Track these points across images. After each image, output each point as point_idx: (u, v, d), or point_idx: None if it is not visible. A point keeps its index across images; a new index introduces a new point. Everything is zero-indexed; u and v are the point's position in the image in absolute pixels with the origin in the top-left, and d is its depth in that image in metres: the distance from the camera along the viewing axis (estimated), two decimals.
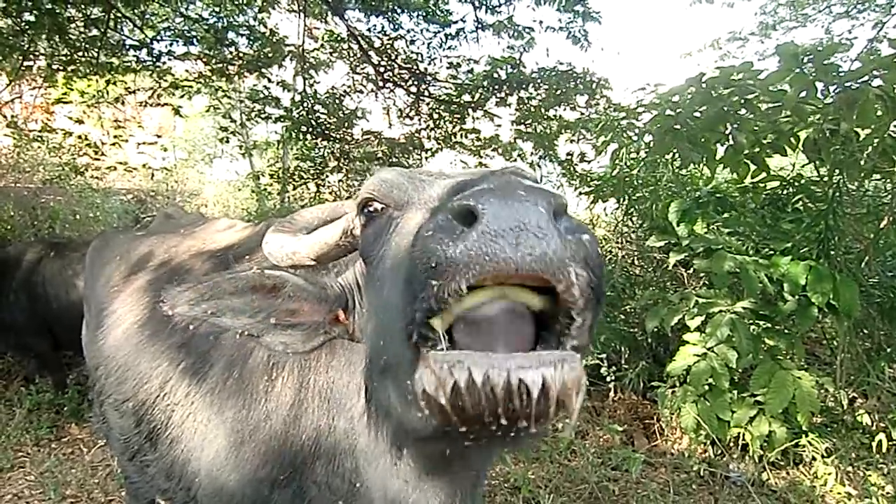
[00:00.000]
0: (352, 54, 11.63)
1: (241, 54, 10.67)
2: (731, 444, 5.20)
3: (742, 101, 4.86)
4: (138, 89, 11.10)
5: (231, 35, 10.20)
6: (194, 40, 10.12)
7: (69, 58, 9.50)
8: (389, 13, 10.57)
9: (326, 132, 11.34)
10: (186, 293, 1.64)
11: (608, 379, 6.02)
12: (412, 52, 11.34)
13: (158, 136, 14.12)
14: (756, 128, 4.96)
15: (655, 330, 5.49)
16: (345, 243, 1.76)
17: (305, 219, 2.07)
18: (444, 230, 1.05)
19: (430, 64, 11.36)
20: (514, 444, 1.17)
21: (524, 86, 10.60)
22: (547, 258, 0.99)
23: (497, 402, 0.99)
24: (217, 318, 1.63)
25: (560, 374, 1.00)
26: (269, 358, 2.13)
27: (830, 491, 4.75)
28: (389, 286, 1.30)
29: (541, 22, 9.99)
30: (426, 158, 12.19)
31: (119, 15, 9.19)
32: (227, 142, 13.05)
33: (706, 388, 5.07)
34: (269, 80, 11.32)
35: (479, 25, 10.35)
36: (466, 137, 11.81)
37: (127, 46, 10.02)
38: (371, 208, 1.57)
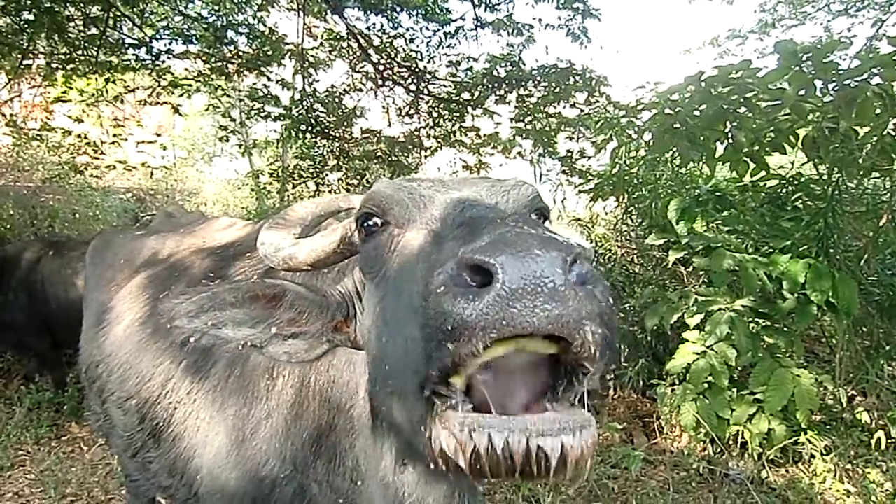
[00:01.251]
0: (351, 53, 11.63)
1: (240, 53, 10.66)
2: (731, 442, 5.21)
3: (741, 99, 4.86)
4: (137, 88, 11.06)
5: (230, 34, 10.19)
6: (193, 39, 10.11)
7: (68, 56, 9.48)
8: (389, 11, 10.55)
9: (326, 131, 11.32)
10: (184, 305, 1.60)
11: (607, 377, 6.03)
12: (412, 51, 11.33)
13: (158, 135, 14.10)
14: (755, 126, 4.96)
15: (655, 328, 5.50)
16: (343, 250, 1.75)
17: (300, 214, 2.06)
18: (458, 287, 1.04)
19: (429, 62, 11.35)
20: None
21: (523, 83, 10.59)
22: (563, 320, 0.99)
23: (515, 466, 1.01)
24: (218, 330, 1.60)
25: (579, 441, 1.03)
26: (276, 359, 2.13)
27: (829, 488, 4.77)
28: (398, 327, 1.30)
29: (540, 19, 9.98)
30: (426, 157, 12.19)
31: (118, 13, 9.18)
32: (227, 140, 13.04)
33: (705, 385, 5.08)
34: (269, 79, 11.30)
35: (479, 23, 10.33)
36: (466, 135, 11.81)
37: (126, 45, 10.00)
38: (371, 223, 1.57)
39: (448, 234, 1.27)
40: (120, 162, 11.86)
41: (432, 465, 1.12)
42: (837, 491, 4.71)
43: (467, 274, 1.04)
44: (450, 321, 1.03)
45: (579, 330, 1.00)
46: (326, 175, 12.05)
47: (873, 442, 4.92)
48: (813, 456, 5.02)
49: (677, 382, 5.44)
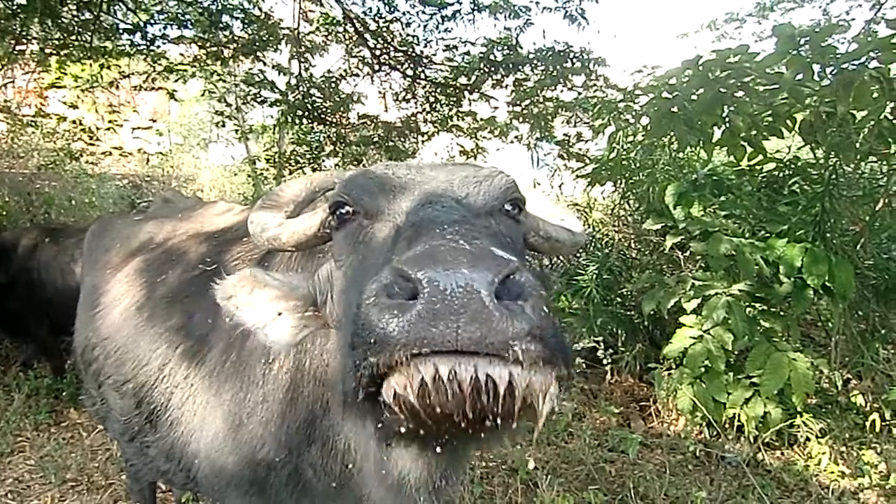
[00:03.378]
0: (347, 37, 11.54)
1: (235, 38, 10.56)
2: (727, 426, 5.24)
3: (739, 83, 4.84)
4: (132, 73, 10.97)
5: (225, 18, 10.08)
6: (188, 23, 10.03)
7: (62, 42, 9.40)
8: None
9: (322, 116, 11.27)
10: (222, 287, 1.71)
11: (605, 361, 6.06)
12: (408, 35, 11.24)
13: (153, 121, 14.05)
14: (753, 110, 4.94)
15: (652, 313, 5.51)
16: (323, 234, 1.77)
17: (293, 191, 2.06)
18: (387, 298, 1.04)
19: (426, 46, 11.27)
20: (483, 442, 1.19)
21: (520, 67, 10.54)
22: (487, 340, 0.98)
23: (464, 396, 1.00)
24: (239, 313, 1.69)
25: (527, 375, 1.01)
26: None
27: (824, 470, 4.80)
28: (344, 322, 1.34)
29: (537, 2, 9.91)
30: (422, 142, 12.15)
31: None
32: (223, 126, 12.97)
33: (702, 370, 5.11)
34: (265, 64, 11.21)
35: (476, 7, 10.25)
36: (463, 120, 11.77)
37: (120, 30, 9.89)
38: (343, 211, 1.59)
39: (402, 234, 1.29)
40: (116, 148, 11.81)
41: (390, 416, 1.12)
42: (832, 473, 4.75)
43: (397, 285, 1.04)
44: (373, 335, 1.03)
45: (507, 350, 0.99)
46: (323, 161, 12.01)
47: (868, 424, 4.96)
48: (808, 439, 5.06)
49: (674, 366, 5.47)
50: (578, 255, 7.82)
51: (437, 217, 1.29)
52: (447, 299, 0.98)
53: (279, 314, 1.69)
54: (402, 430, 1.12)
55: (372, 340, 1.03)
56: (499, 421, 1.04)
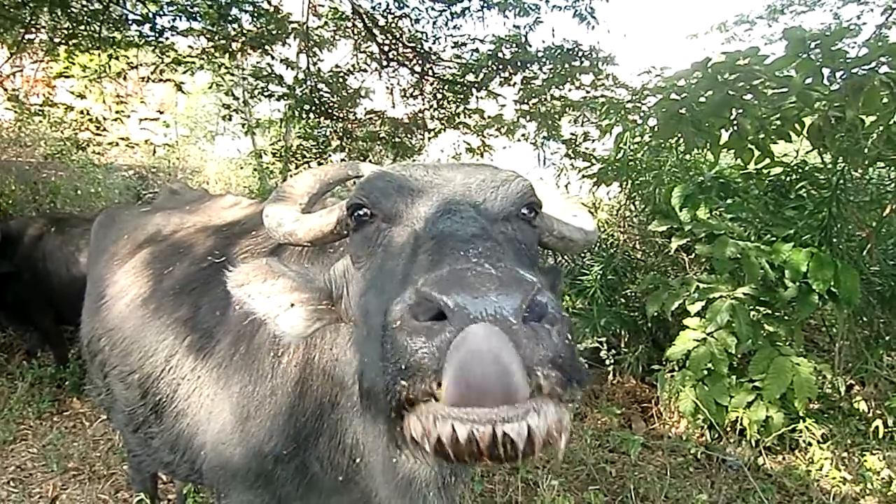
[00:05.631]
0: (356, 32, 11.53)
1: (244, 31, 10.56)
2: (729, 429, 5.24)
3: (748, 86, 4.83)
4: (141, 64, 10.97)
5: (234, 11, 10.07)
6: (197, 16, 10.01)
7: (71, 31, 9.41)
8: None
9: (329, 111, 11.27)
10: (235, 274, 1.72)
11: (607, 362, 6.06)
12: (417, 31, 11.23)
13: (160, 112, 14.00)
14: (761, 114, 4.93)
15: (656, 314, 5.51)
16: (339, 231, 1.78)
17: (307, 183, 2.07)
18: (413, 321, 1.05)
19: (434, 43, 11.26)
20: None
21: (529, 65, 10.52)
22: (514, 366, 0.98)
23: (482, 451, 1.02)
24: (252, 301, 1.70)
25: (545, 422, 1.03)
26: (275, 335, 2.15)
27: (826, 476, 4.80)
28: (372, 335, 1.33)
29: (547, 0, 9.89)
30: (429, 139, 12.14)
31: None
32: (230, 119, 12.95)
33: (705, 372, 5.10)
34: (273, 58, 11.21)
35: (485, 4, 10.24)
36: (470, 117, 11.75)
37: (129, 21, 9.90)
38: (361, 213, 1.59)
39: (422, 245, 1.31)
40: (122, 139, 11.79)
41: (406, 450, 1.16)
42: (834, 478, 4.74)
43: (422, 307, 1.05)
44: (402, 360, 1.05)
45: (531, 375, 1.00)
46: (329, 156, 11.99)
47: (871, 430, 4.95)
48: (810, 444, 5.04)
49: (677, 368, 5.46)
50: (583, 255, 7.82)
51: (457, 231, 1.29)
52: (476, 329, 0.99)
53: (292, 305, 1.70)
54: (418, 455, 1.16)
55: (402, 366, 1.05)
56: (517, 463, 1.07)
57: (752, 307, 5.02)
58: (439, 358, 1.00)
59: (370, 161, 11.29)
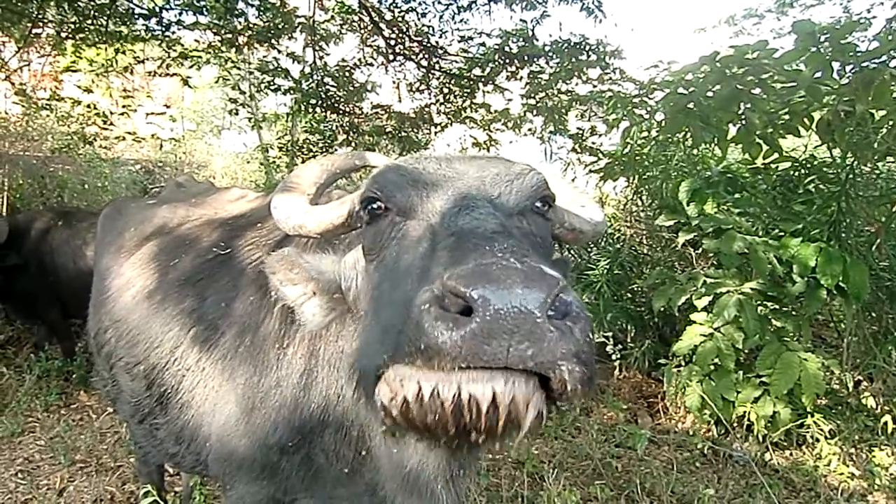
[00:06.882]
0: (362, 26, 11.50)
1: (250, 25, 10.55)
2: (736, 424, 5.22)
3: (756, 80, 4.79)
4: (147, 59, 11.00)
5: (241, 5, 10.07)
6: (204, 10, 10.00)
7: (78, 26, 9.42)
8: None
9: (336, 105, 11.27)
10: (271, 260, 1.77)
11: (613, 357, 6.03)
12: (423, 25, 11.20)
13: (167, 107, 14.08)
14: (769, 108, 4.90)
15: (662, 309, 5.49)
16: (350, 223, 1.78)
17: (314, 174, 2.06)
18: (440, 309, 1.06)
19: (441, 37, 11.24)
20: (475, 451, 1.22)
21: (535, 59, 10.48)
22: (538, 359, 1.01)
23: (445, 414, 1.04)
24: (283, 288, 1.76)
25: (511, 389, 1.04)
26: (281, 326, 2.15)
27: (833, 471, 4.78)
28: (385, 317, 1.34)
29: None
30: (435, 133, 12.13)
31: None
32: (236, 113, 12.96)
33: (712, 367, 5.08)
34: (279, 52, 11.21)
35: None
36: (476, 112, 11.74)
37: (136, 15, 9.89)
38: (374, 206, 1.59)
39: (441, 241, 1.30)
40: (129, 133, 11.83)
41: (382, 424, 1.17)
42: (841, 474, 4.72)
43: (449, 299, 1.05)
44: (424, 342, 1.05)
45: (554, 369, 1.02)
46: (336, 150, 12.01)
47: (879, 426, 4.92)
48: (818, 439, 5.02)
49: (683, 363, 5.44)
50: (589, 249, 7.80)
51: (476, 227, 1.29)
52: (501, 318, 1.00)
53: (314, 294, 1.75)
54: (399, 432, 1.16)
55: (422, 346, 1.05)
56: (483, 436, 1.08)
57: (759, 302, 4.99)
58: (462, 347, 1.01)
59: None
